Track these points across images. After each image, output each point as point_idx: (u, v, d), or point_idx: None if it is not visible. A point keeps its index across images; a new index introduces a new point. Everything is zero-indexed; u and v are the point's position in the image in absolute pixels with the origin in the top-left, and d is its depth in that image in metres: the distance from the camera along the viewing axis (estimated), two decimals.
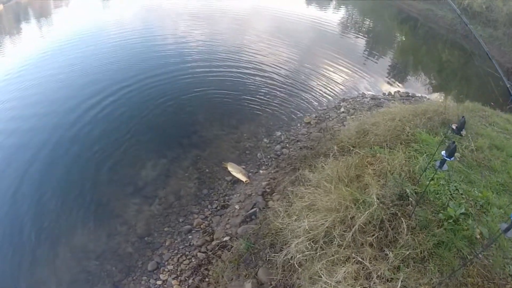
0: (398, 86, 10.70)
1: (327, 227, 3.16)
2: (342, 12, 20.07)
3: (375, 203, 3.20)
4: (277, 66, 10.85)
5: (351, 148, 5.30)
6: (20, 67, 10.38)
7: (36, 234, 5.16)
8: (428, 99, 9.60)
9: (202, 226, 5.28)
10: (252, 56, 11.40)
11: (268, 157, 6.66)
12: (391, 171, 4.04)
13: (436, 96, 10.27)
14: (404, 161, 4.25)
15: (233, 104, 8.49)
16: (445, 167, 3.35)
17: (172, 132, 7.48)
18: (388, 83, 10.86)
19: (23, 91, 8.96)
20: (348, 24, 17.90)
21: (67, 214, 5.46)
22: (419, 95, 9.95)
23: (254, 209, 5.19)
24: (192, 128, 7.56)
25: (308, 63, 11.38)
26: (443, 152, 3.20)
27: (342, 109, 8.34)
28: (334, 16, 18.68)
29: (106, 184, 6.12)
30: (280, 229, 4.25)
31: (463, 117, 4.28)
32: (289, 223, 4.03)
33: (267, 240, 4.44)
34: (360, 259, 2.82)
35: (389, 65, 12.46)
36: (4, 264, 4.84)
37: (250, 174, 6.23)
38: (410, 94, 9.75)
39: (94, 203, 5.72)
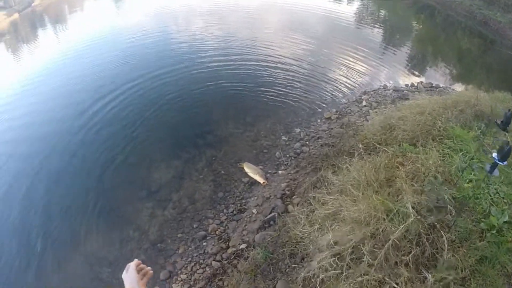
0: (420, 76, 9.99)
1: (355, 242, 2.69)
2: (357, 3, 19.21)
3: (411, 214, 2.69)
4: (293, 58, 10.32)
5: (377, 145, 4.77)
6: (35, 74, 10.45)
7: (44, 240, 5.04)
8: (453, 89, 8.90)
9: (217, 232, 4.95)
10: (267, 48, 10.95)
11: (287, 156, 6.21)
12: (426, 173, 3.49)
13: (461, 87, 9.47)
14: (439, 161, 3.68)
15: (248, 99, 8.09)
16: (496, 172, 2.79)
17: (185, 131, 7.19)
18: (409, 74, 10.15)
19: (33, 97, 8.95)
20: (364, 15, 17.07)
21: (77, 220, 5.31)
22: (443, 85, 9.21)
23: (273, 214, 4.79)
24: (206, 127, 7.24)
25: (324, 55, 10.78)
26: (494, 155, 2.65)
27: (364, 103, 7.71)
28: (349, 8, 17.90)
29: (118, 188, 5.93)
30: (301, 237, 3.84)
31: (509, 110, 3.64)
32: (310, 232, 3.61)
33: (286, 250, 4.04)
34: (395, 285, 2.34)
35: (408, 55, 11.76)
36: (12, 272, 4.73)
37: (268, 175, 5.82)
38: (433, 85, 8.99)
39: (106, 208, 5.55)
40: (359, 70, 9.88)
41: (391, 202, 2.87)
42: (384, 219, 2.73)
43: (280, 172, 5.86)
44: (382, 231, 2.68)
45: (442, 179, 3.44)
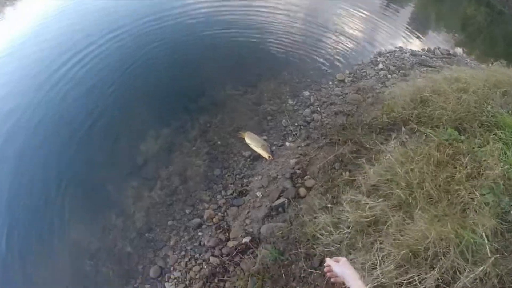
0: (435, 42, 8.66)
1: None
2: None
3: (488, 250, 1.85)
4: (300, 9, 8.73)
5: (408, 122, 3.83)
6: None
7: (9, 237, 4.24)
8: (472, 59, 7.80)
9: (214, 220, 4.19)
10: None
11: (296, 124, 5.23)
12: (489, 178, 2.55)
13: (483, 59, 8.09)
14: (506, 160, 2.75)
15: (248, 53, 6.81)
16: None
17: (175, 93, 6.05)
18: (424, 37, 8.85)
19: None
20: None
21: (48, 205, 4.45)
22: (460, 54, 8.07)
23: (282, 200, 3.99)
24: (199, 87, 6.08)
25: (334, 7, 9.15)
26: None
27: (380, 65, 6.54)
28: None
29: (98, 162, 4.98)
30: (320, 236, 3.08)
31: None
32: (335, 238, 2.82)
33: (301, 250, 3.32)
34: None
35: (423, 18, 10.44)
36: None
37: (273, 147, 4.91)
38: (451, 53, 7.80)
39: (83, 189, 4.66)
40: (372, 28, 8.52)
41: (460, 226, 2.00)
42: (453, 250, 1.89)
43: (287, 144, 4.94)
44: (449, 268, 1.85)
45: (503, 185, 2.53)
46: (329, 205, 3.11)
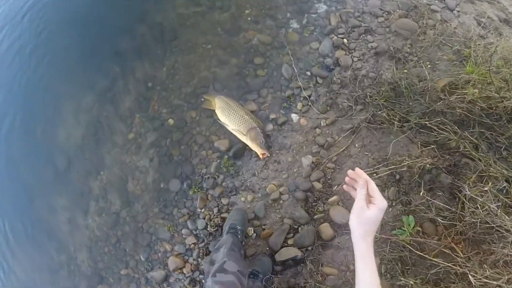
0: None
1: None
2: None
3: None
4: None
5: None
6: None
7: None
8: None
9: (185, 271, 2.61)
10: None
11: (307, 74, 2.89)
12: None
13: None
14: None
15: None
16: None
17: (96, 24, 3.50)
18: None
19: None
20: None
21: None
22: None
23: (291, 254, 2.27)
24: (133, 9, 3.45)
25: None
26: None
27: None
28: None
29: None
30: None
31: None
32: None
33: None
34: None
35: None
36: None
37: (269, 128, 2.79)
38: None
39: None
40: None
41: None
42: None
43: (294, 117, 2.78)
44: None
45: None
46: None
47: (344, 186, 1.09)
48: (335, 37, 2.93)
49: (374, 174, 2.26)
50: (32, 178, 3.16)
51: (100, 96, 3.24)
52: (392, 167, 2.23)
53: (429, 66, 2.68)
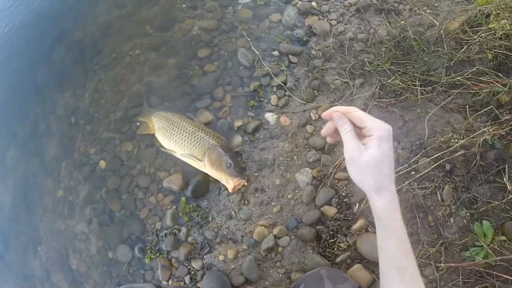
0: None
1: None
2: None
3: None
4: None
5: None
6: None
7: None
8: None
9: None
10: None
11: (274, 53, 2.05)
12: None
13: None
14: None
15: None
16: None
17: (13, 59, 2.81)
18: None
19: None
20: None
21: None
22: None
23: None
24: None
25: None
26: None
27: None
28: None
29: None
30: None
31: None
32: None
33: None
34: None
35: None
36: None
37: (240, 144, 1.90)
38: None
39: None
40: None
41: None
42: None
43: (269, 117, 1.91)
44: None
45: None
46: None
47: (328, 139, 0.74)
48: (299, 2, 2.13)
49: (413, 172, 1.38)
50: None
51: (23, 148, 2.45)
52: (437, 154, 1.35)
53: (428, 12, 1.89)
